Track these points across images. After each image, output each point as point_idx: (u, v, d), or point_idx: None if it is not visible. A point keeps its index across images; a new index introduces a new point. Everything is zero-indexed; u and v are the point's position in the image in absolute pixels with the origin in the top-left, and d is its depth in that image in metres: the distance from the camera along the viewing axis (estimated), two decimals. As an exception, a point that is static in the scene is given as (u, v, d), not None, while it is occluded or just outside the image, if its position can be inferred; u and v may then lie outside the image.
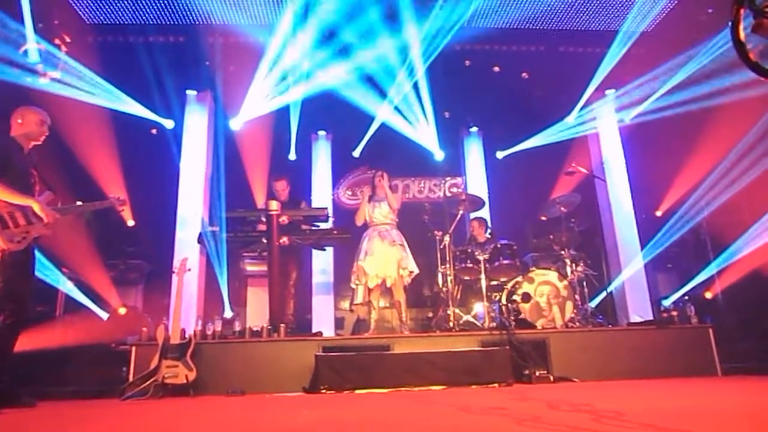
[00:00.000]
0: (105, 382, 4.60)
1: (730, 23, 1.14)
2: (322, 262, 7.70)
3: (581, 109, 8.00)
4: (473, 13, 6.68)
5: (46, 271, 5.71)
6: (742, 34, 1.13)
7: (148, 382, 3.97)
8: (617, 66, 7.20)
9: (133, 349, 4.41)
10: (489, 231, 6.49)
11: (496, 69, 7.57)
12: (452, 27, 6.77)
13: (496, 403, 2.82)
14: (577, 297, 5.44)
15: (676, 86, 6.97)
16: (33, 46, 6.12)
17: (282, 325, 4.74)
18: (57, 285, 5.91)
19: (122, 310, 6.25)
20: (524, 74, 7.66)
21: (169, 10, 6.55)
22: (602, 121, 8.09)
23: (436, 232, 5.86)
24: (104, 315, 6.23)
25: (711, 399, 2.93)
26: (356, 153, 8.30)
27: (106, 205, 4.00)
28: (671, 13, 6.72)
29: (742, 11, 1.12)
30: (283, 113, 7.68)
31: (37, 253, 3.65)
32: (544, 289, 5.31)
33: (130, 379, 4.21)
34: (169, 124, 7.59)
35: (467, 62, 7.49)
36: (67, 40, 6.64)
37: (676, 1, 6.56)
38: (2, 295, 3.31)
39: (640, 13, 6.72)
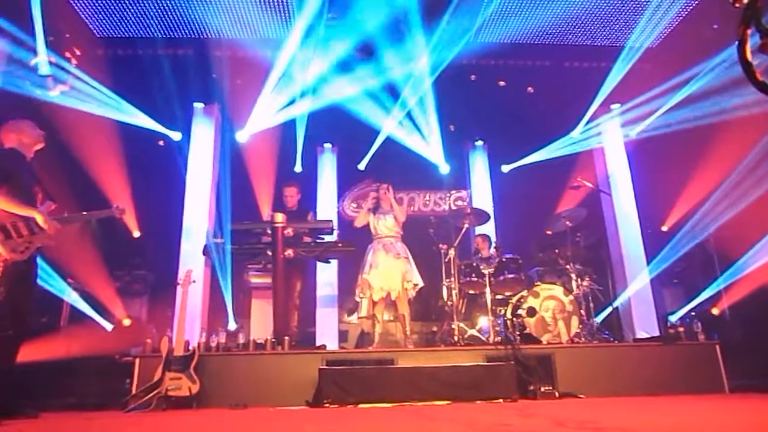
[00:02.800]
0: (108, 393, 4.59)
1: (736, 43, 1.15)
2: (327, 274, 7.69)
3: (586, 123, 8.01)
4: (479, 28, 6.72)
5: (51, 281, 5.73)
6: (749, 54, 1.14)
7: (152, 395, 3.96)
8: (622, 81, 7.20)
9: (137, 360, 4.41)
10: (494, 246, 6.48)
11: (502, 83, 7.61)
12: (458, 42, 6.81)
13: (501, 419, 2.79)
14: (582, 312, 5.41)
15: (682, 101, 6.97)
16: (44, 58, 6.19)
17: (286, 337, 4.73)
18: (62, 295, 5.91)
19: (126, 322, 6.25)
20: (530, 88, 7.69)
21: (178, 23, 6.62)
22: (607, 136, 8.09)
23: (441, 245, 5.87)
24: (108, 326, 6.23)
25: (717, 417, 2.89)
26: (362, 166, 8.31)
27: (107, 213, 4.03)
28: (676, 29, 6.73)
29: (748, 31, 1.13)
30: (289, 126, 7.72)
31: (43, 263, 3.68)
32: (549, 304, 5.28)
33: (134, 391, 4.19)
34: (176, 136, 7.64)
35: (473, 76, 7.52)
36: (77, 53, 6.71)
37: (681, 17, 6.58)
38: (4, 306, 3.32)
39: (645, 28, 6.74)
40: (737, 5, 1.14)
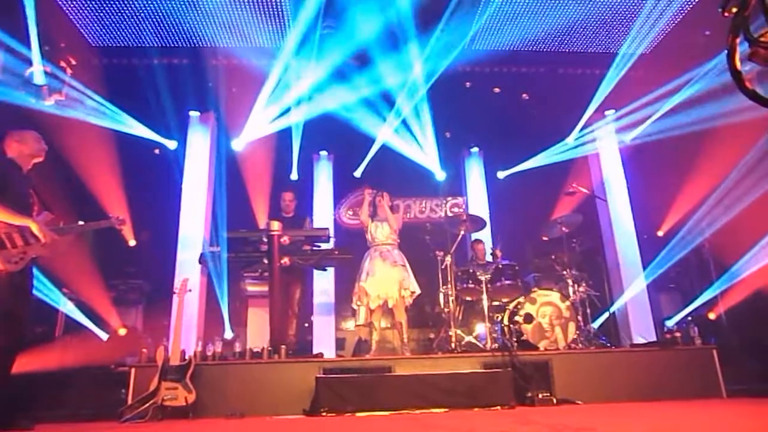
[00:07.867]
0: (103, 404, 4.55)
1: (726, 51, 1.16)
2: (324, 282, 7.68)
3: (581, 129, 8.04)
4: (474, 35, 6.76)
5: (46, 291, 5.70)
6: (738, 63, 1.15)
7: (147, 405, 3.93)
8: (616, 87, 7.24)
9: (133, 370, 4.37)
10: (493, 250, 6.51)
11: (497, 90, 7.65)
12: (453, 49, 6.85)
13: (499, 427, 2.78)
14: (579, 318, 5.41)
15: (676, 107, 7.01)
16: (39, 68, 6.18)
17: (282, 346, 4.71)
18: (57, 305, 5.88)
19: (122, 331, 6.22)
20: (524, 95, 7.73)
21: (174, 33, 6.63)
22: (602, 142, 8.14)
23: (437, 252, 5.87)
24: (104, 336, 6.19)
25: (715, 422, 2.89)
26: (357, 173, 8.32)
27: (106, 224, 4.00)
28: (669, 36, 6.78)
29: (737, 40, 1.15)
30: (284, 134, 7.74)
31: (38, 273, 3.64)
32: (546, 310, 5.28)
33: (129, 401, 4.16)
34: (172, 144, 7.65)
35: (468, 84, 7.55)
36: (73, 62, 6.71)
37: (673, 24, 6.63)
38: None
39: (638, 35, 6.79)
40: (726, 14, 1.15)
